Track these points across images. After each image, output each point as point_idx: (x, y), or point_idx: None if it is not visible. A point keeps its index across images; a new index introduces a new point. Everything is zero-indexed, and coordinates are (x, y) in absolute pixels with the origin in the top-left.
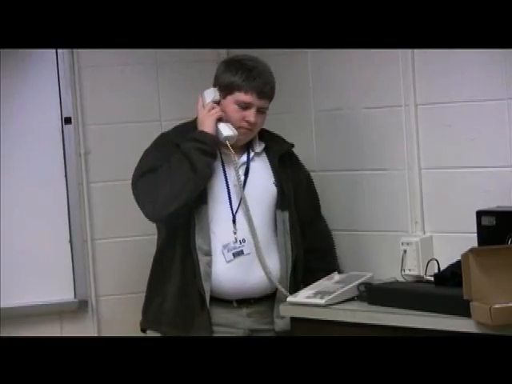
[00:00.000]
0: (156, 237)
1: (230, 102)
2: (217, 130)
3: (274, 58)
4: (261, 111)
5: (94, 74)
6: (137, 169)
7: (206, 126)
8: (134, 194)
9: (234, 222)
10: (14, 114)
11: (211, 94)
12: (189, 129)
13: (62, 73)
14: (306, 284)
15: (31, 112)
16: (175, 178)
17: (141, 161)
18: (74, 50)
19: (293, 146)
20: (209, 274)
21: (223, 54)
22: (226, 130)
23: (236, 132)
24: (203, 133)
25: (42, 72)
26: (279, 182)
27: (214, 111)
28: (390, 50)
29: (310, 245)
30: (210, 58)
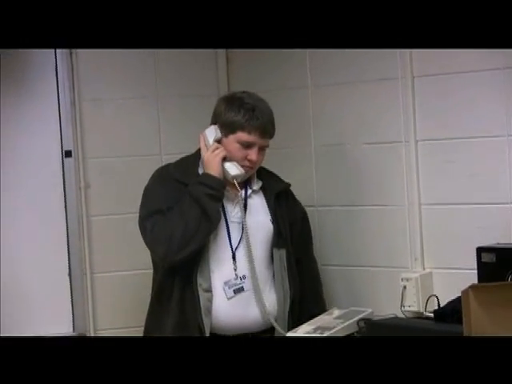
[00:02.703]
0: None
1: (233, 141)
2: (223, 169)
3: (276, 93)
4: (262, 149)
5: (95, 107)
6: (142, 208)
7: (213, 167)
8: (143, 234)
9: (233, 258)
10: (14, 147)
11: (213, 133)
12: (192, 165)
13: (62, 106)
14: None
15: (32, 145)
16: (187, 223)
17: (146, 199)
18: (75, 84)
19: (289, 185)
20: (209, 310)
21: (223, 88)
22: (234, 170)
23: (243, 170)
24: (211, 177)
25: (43, 105)
26: (276, 220)
27: (218, 151)
28: (390, 85)
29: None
30: (211, 93)
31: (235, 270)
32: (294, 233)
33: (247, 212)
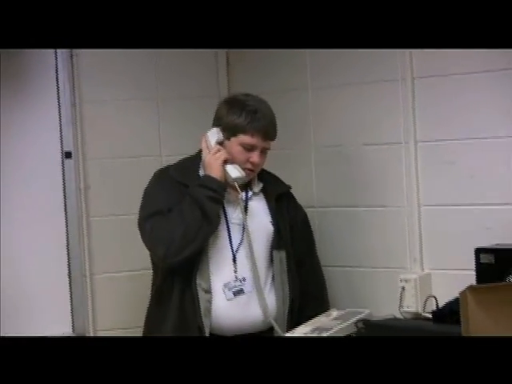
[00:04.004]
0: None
1: (235, 144)
2: (225, 171)
3: (276, 95)
4: (264, 151)
5: (95, 108)
6: (142, 209)
7: (214, 169)
8: (142, 235)
9: (234, 260)
10: (14, 148)
11: (215, 135)
12: (192, 167)
13: (62, 107)
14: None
15: (32, 146)
16: (188, 224)
17: (146, 200)
18: (76, 85)
19: (290, 187)
20: (209, 311)
21: (224, 89)
22: (235, 172)
23: (244, 173)
24: (212, 179)
25: (43, 106)
26: (276, 222)
27: (219, 154)
28: (390, 86)
29: (301, 286)
30: (211, 94)
31: (235, 272)
32: (294, 235)
33: (248, 214)
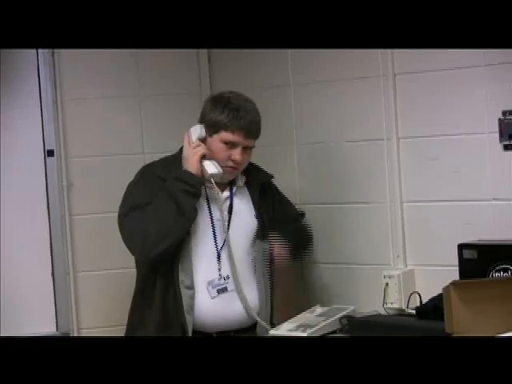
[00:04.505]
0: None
1: (217, 141)
2: (202, 167)
3: (257, 92)
4: (247, 149)
5: (77, 106)
6: (122, 205)
7: (191, 163)
8: (121, 231)
9: (218, 258)
10: None
11: (197, 131)
12: (174, 162)
13: (44, 105)
14: None
15: (14, 144)
16: (163, 218)
17: (126, 196)
18: (57, 83)
19: (272, 177)
20: (192, 307)
21: (206, 86)
22: (211, 168)
23: (221, 169)
24: (189, 173)
25: (25, 104)
26: (260, 215)
27: (198, 149)
28: (372, 83)
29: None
30: (193, 91)
31: (219, 270)
32: (277, 215)
33: (233, 211)
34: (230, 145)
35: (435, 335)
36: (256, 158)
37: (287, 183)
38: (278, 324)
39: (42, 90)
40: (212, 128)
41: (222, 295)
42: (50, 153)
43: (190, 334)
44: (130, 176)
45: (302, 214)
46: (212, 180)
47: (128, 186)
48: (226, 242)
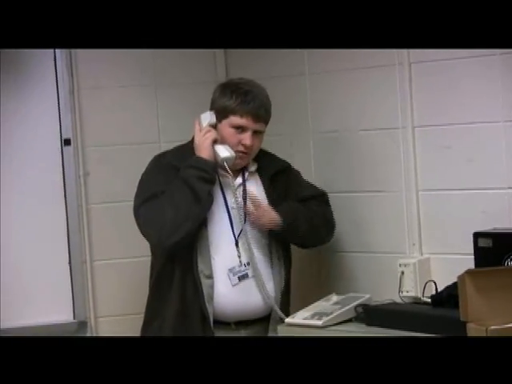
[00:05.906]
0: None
1: (226, 126)
2: (214, 152)
3: (273, 81)
4: (257, 134)
5: (94, 95)
6: (137, 195)
7: (203, 150)
8: (137, 221)
9: (236, 245)
10: (13, 136)
11: (207, 118)
12: (186, 151)
13: (61, 94)
14: None
15: (31, 134)
16: (178, 206)
17: (141, 186)
18: (74, 72)
19: (288, 165)
20: (211, 297)
21: (221, 75)
22: (224, 152)
23: (233, 153)
24: (202, 159)
25: (42, 94)
26: (271, 202)
27: (209, 134)
28: (387, 72)
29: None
30: (209, 80)
31: (239, 256)
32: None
33: (246, 198)
34: (240, 129)
35: (450, 323)
36: (271, 147)
37: (303, 172)
38: (294, 312)
39: (58, 79)
40: (221, 113)
41: (241, 284)
42: (67, 142)
43: (211, 323)
44: (146, 164)
45: (323, 195)
46: (225, 164)
47: (142, 176)
48: (243, 229)
